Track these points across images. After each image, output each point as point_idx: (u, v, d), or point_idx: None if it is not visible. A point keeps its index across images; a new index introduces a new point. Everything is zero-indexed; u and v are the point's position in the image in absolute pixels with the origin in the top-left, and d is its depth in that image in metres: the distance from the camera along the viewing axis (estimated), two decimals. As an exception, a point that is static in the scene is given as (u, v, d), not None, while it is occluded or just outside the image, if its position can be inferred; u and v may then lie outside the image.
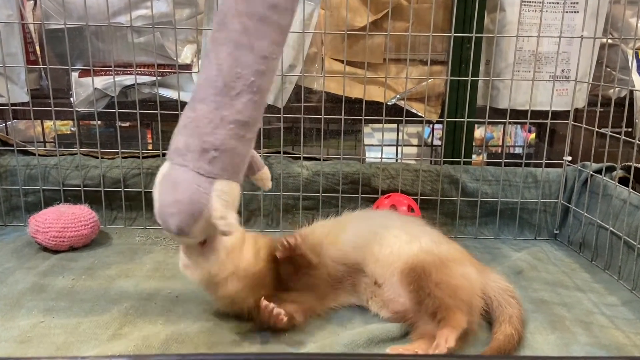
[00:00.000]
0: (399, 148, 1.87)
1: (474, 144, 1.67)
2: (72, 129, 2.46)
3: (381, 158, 1.57)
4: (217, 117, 0.85)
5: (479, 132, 2.83)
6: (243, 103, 0.86)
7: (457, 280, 1.00)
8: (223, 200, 0.86)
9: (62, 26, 1.43)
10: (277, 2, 0.86)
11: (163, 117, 1.48)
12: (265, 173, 1.00)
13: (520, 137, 2.86)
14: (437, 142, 2.24)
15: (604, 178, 1.37)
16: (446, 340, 0.92)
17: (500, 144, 2.92)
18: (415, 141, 3.20)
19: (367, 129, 2.78)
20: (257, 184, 1.01)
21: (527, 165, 1.53)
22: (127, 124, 2.11)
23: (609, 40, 1.64)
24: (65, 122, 2.50)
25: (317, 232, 1.13)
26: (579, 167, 1.48)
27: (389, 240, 1.09)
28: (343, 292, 1.10)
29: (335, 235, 1.11)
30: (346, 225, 1.14)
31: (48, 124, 2.10)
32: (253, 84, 0.86)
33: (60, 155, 1.53)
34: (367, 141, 2.20)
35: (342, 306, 1.11)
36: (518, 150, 2.79)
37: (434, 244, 1.08)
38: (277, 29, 0.87)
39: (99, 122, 2.12)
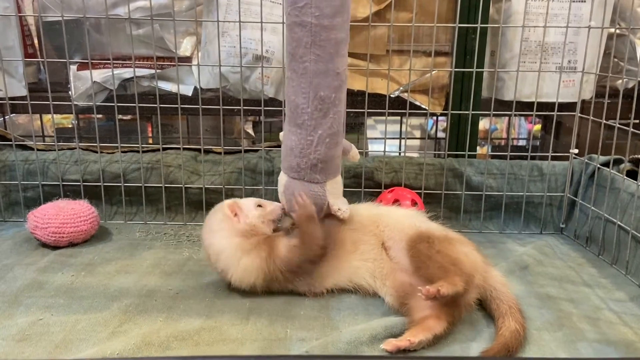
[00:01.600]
0: (402, 141, 1.85)
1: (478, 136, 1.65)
2: (74, 122, 2.44)
3: (384, 151, 1.54)
4: (315, 137, 1.07)
5: (482, 124, 2.80)
6: (331, 118, 1.06)
7: (459, 255, 1.04)
8: (334, 194, 1.13)
9: (60, 18, 1.40)
10: (347, 24, 1.03)
11: (163, 110, 1.46)
12: (354, 151, 1.19)
13: (524, 128, 2.83)
14: (440, 134, 2.21)
15: (612, 171, 1.35)
16: (441, 285, 0.93)
17: (504, 135, 2.89)
18: (418, 133, 3.17)
19: (369, 121, 2.76)
20: (349, 160, 1.21)
21: (532, 158, 1.51)
22: (129, 116, 2.09)
23: (617, 31, 1.61)
24: (67, 115, 2.48)
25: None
26: (586, 160, 1.46)
27: (400, 214, 1.18)
28: (347, 255, 1.12)
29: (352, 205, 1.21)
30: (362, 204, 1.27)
31: (48, 117, 2.08)
32: (335, 99, 1.05)
33: (59, 150, 1.51)
34: (369, 133, 2.18)
35: (349, 281, 1.12)
36: (522, 143, 2.76)
37: (443, 228, 1.13)
38: (344, 45, 1.04)
39: (100, 115, 2.11)
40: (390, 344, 0.92)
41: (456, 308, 0.99)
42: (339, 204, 1.12)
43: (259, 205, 1.16)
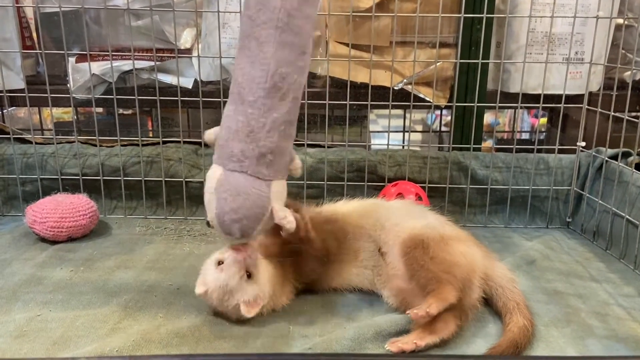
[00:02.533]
0: (406, 134, 1.83)
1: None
2: (74, 116, 2.42)
3: (387, 145, 1.52)
4: (269, 120, 0.87)
5: (484, 118, 2.76)
6: (290, 103, 0.89)
7: (455, 257, 0.99)
8: (278, 200, 0.91)
9: (58, 9, 1.38)
10: (317, 5, 0.88)
11: (163, 103, 1.43)
12: (297, 163, 1.00)
13: (527, 122, 2.80)
14: (442, 129, 2.19)
15: (620, 164, 1.33)
16: (429, 306, 0.90)
17: (506, 130, 2.86)
18: (419, 128, 3.15)
19: (371, 116, 2.73)
20: (290, 172, 1.00)
21: (539, 151, 1.48)
22: (130, 111, 2.07)
23: (625, 21, 1.58)
24: (67, 109, 2.46)
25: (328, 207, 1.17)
26: (593, 153, 1.43)
27: (397, 213, 1.10)
28: (347, 264, 1.08)
29: (345, 205, 1.16)
30: (358, 201, 1.19)
31: (49, 112, 2.06)
32: (296, 81, 0.89)
33: (58, 144, 1.49)
34: (371, 128, 2.16)
35: (348, 285, 1.09)
36: (525, 136, 2.73)
37: (440, 223, 1.07)
38: (310, 21, 0.89)
39: (101, 109, 2.09)
40: (395, 346, 0.89)
41: (462, 311, 0.96)
42: (286, 212, 0.92)
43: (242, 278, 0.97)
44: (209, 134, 0.97)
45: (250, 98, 0.87)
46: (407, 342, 0.90)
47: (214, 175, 0.91)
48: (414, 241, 1.01)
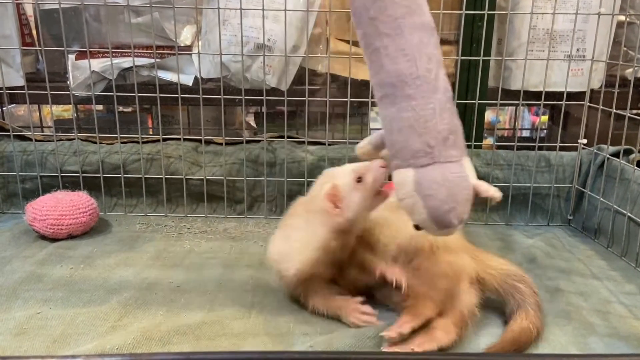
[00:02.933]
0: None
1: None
2: (74, 114, 2.42)
3: (388, 142, 1.51)
4: (436, 103, 0.85)
5: (485, 116, 2.74)
6: (443, 79, 0.87)
7: (440, 268, 0.97)
8: (474, 175, 0.88)
9: (57, 6, 1.37)
10: None
11: (163, 100, 1.43)
12: None
13: (527, 120, 2.79)
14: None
15: (621, 162, 1.32)
16: (401, 325, 0.89)
17: (507, 127, 2.86)
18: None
19: (371, 113, 2.72)
20: None
21: (540, 148, 1.48)
22: (130, 108, 2.07)
23: (627, 18, 1.57)
24: (67, 107, 2.45)
25: None
26: (595, 150, 1.43)
27: (392, 218, 1.07)
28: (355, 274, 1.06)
29: None
30: None
31: (48, 110, 2.05)
32: (439, 58, 0.87)
33: (57, 141, 1.49)
34: (371, 125, 2.15)
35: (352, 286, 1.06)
36: (525, 134, 2.73)
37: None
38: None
39: (101, 107, 2.08)
40: (391, 348, 0.88)
41: (462, 319, 0.94)
42: (485, 184, 0.88)
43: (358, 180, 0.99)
44: (363, 147, 0.97)
45: (409, 91, 0.85)
46: (404, 347, 0.88)
47: (406, 180, 0.87)
48: (400, 253, 1.00)
